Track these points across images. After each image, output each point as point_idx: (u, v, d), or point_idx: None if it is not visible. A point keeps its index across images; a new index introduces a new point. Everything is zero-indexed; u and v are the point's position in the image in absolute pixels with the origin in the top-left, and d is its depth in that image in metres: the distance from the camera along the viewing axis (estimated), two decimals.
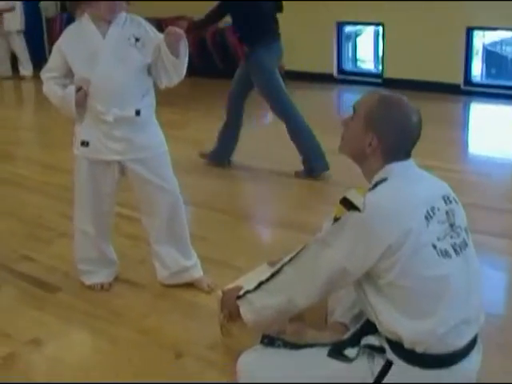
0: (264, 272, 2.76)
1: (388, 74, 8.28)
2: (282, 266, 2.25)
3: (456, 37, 7.68)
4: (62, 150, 5.87)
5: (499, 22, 7.54)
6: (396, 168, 2.12)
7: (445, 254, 2.04)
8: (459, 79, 7.78)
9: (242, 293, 2.38)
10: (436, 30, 7.69)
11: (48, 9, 10.49)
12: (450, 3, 7.49)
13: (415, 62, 7.95)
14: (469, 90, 7.68)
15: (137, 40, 2.94)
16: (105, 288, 3.27)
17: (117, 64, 2.90)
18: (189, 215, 3.27)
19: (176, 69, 2.95)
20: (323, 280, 2.11)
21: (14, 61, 10.34)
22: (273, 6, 5.08)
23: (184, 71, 3.00)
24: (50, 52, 9.24)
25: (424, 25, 7.78)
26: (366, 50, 9.19)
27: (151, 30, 3.00)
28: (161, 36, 2.96)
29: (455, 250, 2.07)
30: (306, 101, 7.88)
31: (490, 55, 8.30)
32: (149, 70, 3.00)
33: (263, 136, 6.50)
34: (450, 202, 2.14)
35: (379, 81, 8.39)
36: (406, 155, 2.16)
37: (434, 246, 2.02)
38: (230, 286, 2.68)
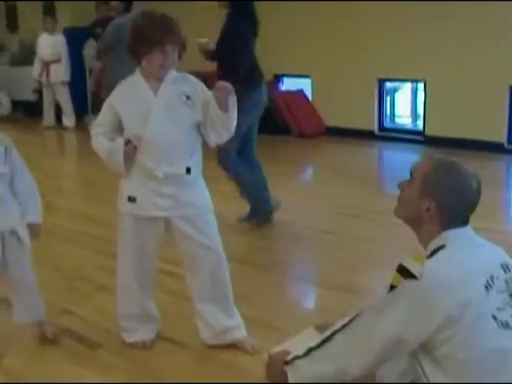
0: (311, 336, 2.71)
1: (429, 132, 8.22)
2: (334, 333, 2.20)
3: (499, 94, 7.61)
4: (104, 203, 5.94)
5: None
6: (454, 235, 2.07)
7: (505, 325, 1.97)
8: (503, 137, 7.69)
9: (290, 358, 2.33)
10: (478, 87, 7.65)
11: (92, 60, 10.69)
12: (492, 62, 7.48)
13: (457, 119, 7.90)
14: None
15: (187, 98, 2.95)
16: (146, 346, 3.21)
17: (169, 121, 2.91)
18: (231, 273, 3.22)
19: (225, 124, 2.95)
20: (377, 349, 2.04)
21: (58, 111, 10.53)
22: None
23: (233, 126, 3.00)
24: (92, 103, 9.48)
25: (466, 81, 7.75)
26: (404, 106, 9.17)
27: (200, 87, 3.02)
28: (209, 92, 2.97)
29: None
30: (346, 157, 7.91)
31: None
32: (198, 127, 3.01)
33: (301, 191, 6.49)
34: (509, 270, 2.08)
35: (421, 138, 8.33)
36: (464, 222, 2.11)
37: (495, 317, 1.96)
38: (277, 349, 2.62)
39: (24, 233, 3.11)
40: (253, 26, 5.06)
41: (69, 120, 10.42)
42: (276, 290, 3.97)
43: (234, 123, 2.99)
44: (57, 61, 10.13)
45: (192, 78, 3.06)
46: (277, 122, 8.82)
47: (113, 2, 7.10)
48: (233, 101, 2.92)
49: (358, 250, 4.67)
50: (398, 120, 9.06)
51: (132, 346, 3.22)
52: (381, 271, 4.33)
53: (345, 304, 3.73)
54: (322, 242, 4.86)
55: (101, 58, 7.36)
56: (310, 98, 9.28)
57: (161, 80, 2.95)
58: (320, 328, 2.78)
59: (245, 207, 5.17)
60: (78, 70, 10.43)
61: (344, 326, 2.17)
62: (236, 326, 3.19)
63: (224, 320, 3.16)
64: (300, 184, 7.21)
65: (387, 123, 8.90)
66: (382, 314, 2.01)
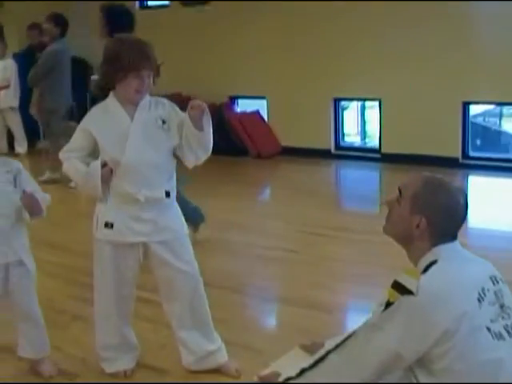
0: (298, 357, 2.71)
1: (386, 149, 8.35)
2: (327, 353, 2.19)
3: (453, 110, 7.78)
4: (67, 230, 5.88)
5: (491, 96, 7.69)
6: (444, 250, 2.11)
7: (499, 336, 2.01)
8: (457, 152, 7.85)
9: (282, 380, 2.31)
10: (432, 104, 7.81)
11: None
12: (446, 79, 7.65)
13: (412, 136, 8.04)
14: (467, 164, 7.74)
15: (163, 122, 2.95)
16: (127, 375, 3.16)
17: (147, 146, 2.89)
18: (208, 297, 3.20)
19: (201, 143, 2.93)
20: (374, 366, 2.05)
21: (10, 137, 10.33)
22: None
23: (210, 145, 2.98)
24: (44, 129, 9.25)
25: (420, 99, 7.90)
26: (351, 125, 9.32)
27: (173, 110, 3.01)
28: (182, 114, 2.97)
29: (508, 332, 2.04)
30: (304, 176, 7.97)
31: (474, 127, 8.43)
32: (173, 151, 2.99)
33: (261, 211, 6.52)
34: (497, 282, 2.13)
35: (377, 156, 8.45)
36: (453, 237, 2.15)
37: (488, 329, 1.99)
38: (266, 371, 2.61)
39: (30, 263, 3.05)
40: None
41: (21, 146, 10.23)
42: (250, 312, 3.97)
43: (211, 141, 2.97)
44: (6, 86, 9.94)
45: (165, 101, 3.04)
46: (234, 143, 8.84)
47: (46, 26, 7.06)
48: (208, 119, 2.91)
49: (323, 267, 4.71)
50: (347, 138, 9.17)
51: (112, 376, 3.16)
52: (348, 288, 4.39)
53: (318, 322, 3.76)
54: (287, 262, 4.87)
55: (38, 85, 7.33)
56: (266, 118, 9.33)
57: (136, 105, 2.93)
58: (306, 348, 2.79)
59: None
60: (28, 95, 10.28)
61: (338, 346, 2.16)
62: (218, 350, 3.17)
63: (205, 345, 3.13)
64: (259, 204, 7.23)
65: (343, 142, 9.01)
66: (379, 330, 2.02)
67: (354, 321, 3.60)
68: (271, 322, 3.93)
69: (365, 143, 9.50)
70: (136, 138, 2.88)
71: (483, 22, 7.48)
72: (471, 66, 7.55)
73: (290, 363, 2.52)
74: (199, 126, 2.88)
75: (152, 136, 2.91)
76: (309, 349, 2.72)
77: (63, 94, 7.69)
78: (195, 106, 2.86)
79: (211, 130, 2.95)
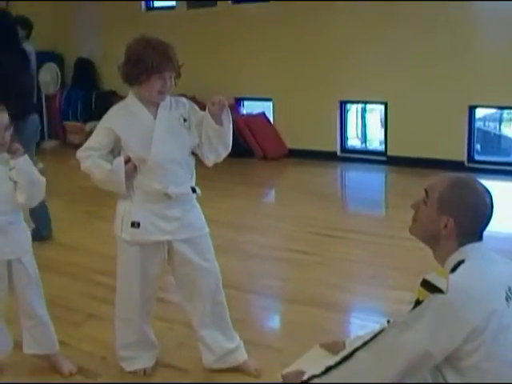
0: (320, 356, 2.72)
1: (391, 152, 8.37)
2: (355, 351, 2.19)
3: (459, 114, 7.82)
4: (76, 229, 5.89)
5: (497, 100, 7.72)
6: (472, 250, 2.12)
7: None
8: (463, 156, 7.89)
9: (307, 377, 2.32)
10: (439, 107, 7.85)
11: (48, 86, 10.59)
12: (452, 82, 7.69)
13: (418, 139, 8.07)
14: (472, 167, 7.77)
15: (185, 120, 2.98)
16: (147, 373, 3.18)
17: (172, 143, 2.93)
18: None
19: (221, 139, 2.96)
20: (403, 365, 2.06)
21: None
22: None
23: (230, 141, 3.01)
24: (49, 128, 9.37)
25: (426, 102, 7.93)
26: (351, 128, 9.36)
27: (192, 110, 3.04)
28: (201, 112, 3.01)
29: None
30: (310, 178, 8.00)
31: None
32: (192, 150, 3.03)
33: (268, 212, 6.54)
34: None
35: (383, 158, 8.48)
36: (480, 237, 2.16)
37: None
38: (289, 369, 2.61)
39: (29, 262, 3.06)
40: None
41: None
42: (266, 312, 4.01)
43: (231, 137, 3.01)
44: None
45: (185, 100, 3.08)
46: (239, 145, 8.85)
47: None
48: (227, 115, 2.95)
49: (335, 268, 4.74)
50: (349, 142, 9.19)
51: (132, 374, 3.18)
52: (362, 288, 4.42)
53: (334, 322, 3.81)
54: (300, 262, 4.90)
55: None
56: (271, 120, 9.35)
57: (157, 105, 2.96)
58: (327, 347, 2.79)
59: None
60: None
61: (366, 343, 2.17)
62: (237, 348, 3.20)
63: (225, 343, 3.16)
64: (267, 206, 7.27)
65: (349, 144, 9.05)
66: (409, 328, 2.03)
67: (369, 320, 3.66)
68: (288, 321, 3.95)
69: (365, 146, 9.53)
70: (161, 136, 2.91)
71: (490, 26, 7.52)
72: (477, 70, 7.59)
73: (312, 362, 2.53)
74: (219, 122, 2.92)
75: (176, 133, 2.95)
76: (330, 348, 2.73)
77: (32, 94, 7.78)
78: (215, 102, 2.89)
79: (231, 126, 2.99)
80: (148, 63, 2.82)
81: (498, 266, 2.14)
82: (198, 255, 3.04)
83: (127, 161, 2.92)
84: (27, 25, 7.25)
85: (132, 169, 2.92)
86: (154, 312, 3.49)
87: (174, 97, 3.05)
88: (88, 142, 3.04)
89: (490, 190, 2.17)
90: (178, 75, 2.97)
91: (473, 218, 2.13)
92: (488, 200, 2.15)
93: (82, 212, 6.56)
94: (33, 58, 7.57)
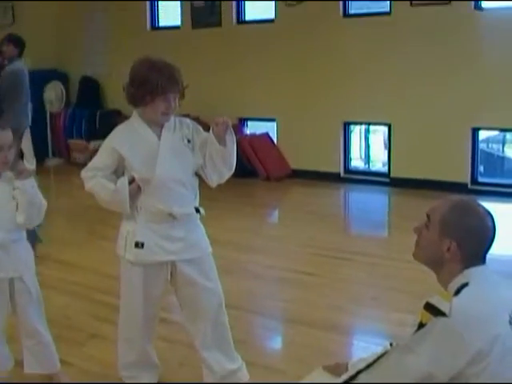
0: (322, 378, 2.70)
1: (395, 174, 8.38)
2: (357, 373, 2.19)
3: (462, 136, 7.83)
4: (79, 248, 5.90)
5: (500, 122, 7.74)
6: (475, 273, 2.12)
7: None
8: (466, 178, 7.89)
9: None
10: (442, 129, 7.87)
11: (53, 104, 10.64)
12: (455, 104, 7.72)
13: (422, 160, 8.08)
14: (476, 189, 7.77)
15: (188, 141, 3.00)
16: None
17: (176, 164, 2.94)
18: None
19: (225, 160, 2.97)
20: None
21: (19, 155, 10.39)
22: None
23: (234, 162, 3.02)
24: (52, 146, 9.38)
25: (430, 124, 7.95)
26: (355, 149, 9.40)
27: (195, 131, 3.06)
28: (204, 133, 3.02)
29: None
30: (313, 199, 8.01)
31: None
32: (196, 171, 3.04)
33: (272, 233, 6.55)
34: None
35: (386, 180, 8.48)
36: (483, 259, 2.16)
37: None
38: None
39: (31, 280, 3.06)
40: None
41: (30, 163, 10.19)
42: (269, 333, 4.00)
43: (234, 158, 3.01)
44: None
45: (189, 121, 3.10)
46: (243, 165, 8.86)
47: (5, 48, 7.21)
48: (231, 135, 2.96)
49: (339, 290, 4.73)
50: (353, 163, 9.20)
51: None
52: (365, 311, 4.41)
53: (337, 344, 3.80)
54: (304, 284, 4.89)
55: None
56: (275, 141, 9.37)
57: (162, 125, 2.97)
58: (329, 369, 2.78)
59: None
60: (38, 113, 10.35)
61: (369, 366, 2.17)
62: (239, 369, 3.19)
63: (227, 364, 3.15)
64: (270, 226, 7.27)
65: (352, 165, 9.07)
66: (412, 351, 2.03)
67: (372, 342, 3.65)
68: (290, 343, 3.94)
69: (368, 167, 9.54)
70: (165, 156, 2.92)
71: (493, 48, 7.53)
72: (480, 92, 7.61)
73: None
74: (223, 143, 2.93)
75: (180, 154, 2.96)
76: (332, 370, 2.71)
77: (25, 113, 7.87)
78: (219, 123, 2.91)
79: (235, 147, 3.00)
80: (153, 85, 2.84)
81: (502, 290, 2.14)
82: (202, 275, 3.04)
83: (131, 181, 2.93)
84: (19, 43, 7.35)
85: (136, 189, 2.93)
86: (156, 332, 3.50)
87: (178, 117, 3.07)
88: (92, 161, 3.05)
89: (492, 212, 2.17)
90: (182, 96, 2.99)
91: (475, 240, 2.13)
92: (490, 223, 2.15)
93: (85, 231, 6.57)
94: (24, 75, 7.65)
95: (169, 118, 2.97)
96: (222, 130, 2.91)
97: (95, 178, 2.99)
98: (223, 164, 2.99)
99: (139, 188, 2.93)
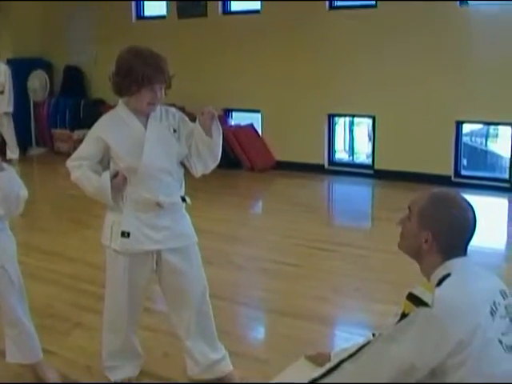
0: (304, 367, 2.72)
1: (379, 166, 8.42)
2: (340, 363, 2.21)
3: (446, 129, 7.88)
4: (62, 237, 5.88)
5: (484, 115, 7.79)
6: (457, 264, 2.14)
7: (510, 349, 2.03)
8: (450, 171, 7.94)
9: None
10: (426, 122, 7.91)
11: (36, 93, 10.58)
12: (439, 98, 7.76)
13: (405, 153, 8.12)
14: (459, 182, 7.82)
15: (174, 131, 2.99)
16: (132, 383, 3.17)
17: (162, 153, 2.94)
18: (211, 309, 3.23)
19: (211, 150, 2.98)
20: (388, 376, 2.07)
21: (1, 143, 10.31)
22: None
23: (219, 153, 3.03)
24: (36, 135, 9.37)
25: (414, 117, 8.00)
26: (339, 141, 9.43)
27: (182, 121, 3.05)
28: (191, 124, 3.02)
29: None
30: (297, 190, 8.03)
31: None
32: (181, 160, 3.04)
33: (255, 224, 6.55)
34: (507, 296, 2.15)
35: (370, 172, 8.52)
36: (464, 251, 2.18)
37: (500, 342, 2.02)
38: (275, 381, 2.62)
39: (13, 270, 3.05)
40: None
41: (13, 152, 10.20)
42: (253, 324, 4.02)
43: (220, 149, 3.02)
44: (0, 92, 9.96)
45: (174, 110, 3.09)
46: (227, 156, 8.86)
47: None
48: (217, 126, 2.96)
49: (323, 281, 4.75)
50: (337, 155, 9.23)
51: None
52: (349, 302, 4.43)
53: (320, 334, 3.82)
54: (288, 275, 4.91)
55: None
56: (260, 132, 9.38)
57: (148, 115, 2.97)
58: (312, 359, 2.80)
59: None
60: (21, 102, 10.31)
61: (351, 356, 2.18)
62: (222, 359, 3.19)
63: (210, 353, 3.15)
64: (254, 217, 7.28)
65: (336, 157, 9.10)
66: (394, 341, 2.05)
67: (354, 333, 3.67)
68: (273, 333, 3.96)
69: (352, 159, 9.58)
70: (151, 145, 2.91)
71: (478, 42, 7.58)
72: (465, 86, 7.66)
73: (297, 373, 2.53)
74: (209, 133, 2.94)
75: (166, 143, 2.96)
76: (315, 359, 2.73)
77: None
78: (205, 112, 2.91)
79: (221, 138, 3.00)
80: (138, 75, 2.82)
81: (483, 281, 2.16)
82: (186, 264, 3.04)
83: (115, 174, 2.92)
84: None
85: (120, 183, 2.92)
86: (140, 322, 3.50)
87: (164, 107, 3.06)
88: (77, 150, 3.03)
89: (474, 205, 2.19)
90: (169, 86, 2.98)
91: (452, 231, 2.14)
92: (469, 214, 2.16)
93: (69, 220, 6.55)
94: None
95: (155, 108, 2.96)
96: (207, 120, 2.91)
97: (81, 168, 2.97)
98: (209, 154, 2.99)
99: (125, 180, 2.92)
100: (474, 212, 2.19)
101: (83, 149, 3.01)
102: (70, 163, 3.02)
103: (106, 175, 2.93)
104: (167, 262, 3.02)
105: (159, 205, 2.93)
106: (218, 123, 2.98)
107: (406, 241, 2.25)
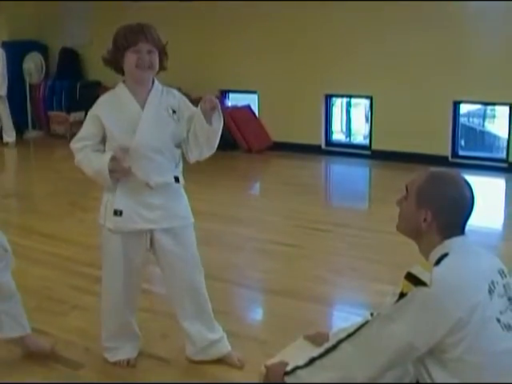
0: (303, 347, 2.73)
1: (376, 146, 8.41)
2: (339, 343, 2.21)
3: (444, 109, 7.86)
4: (60, 220, 5.88)
5: (482, 96, 7.77)
6: (455, 243, 2.14)
7: (508, 327, 2.04)
8: (447, 151, 7.93)
9: (290, 368, 2.33)
10: (423, 102, 7.89)
11: (32, 75, 10.52)
12: (437, 78, 7.73)
13: (403, 133, 8.10)
14: (456, 162, 7.82)
15: (174, 112, 2.98)
16: (131, 364, 3.18)
17: (156, 132, 2.92)
18: (209, 290, 3.23)
19: (209, 139, 2.96)
20: (387, 356, 2.08)
21: None
22: None
23: (216, 143, 3.02)
24: (32, 118, 9.34)
25: (411, 97, 7.98)
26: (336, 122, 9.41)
27: (183, 103, 3.04)
28: (193, 108, 3.00)
29: None
30: (294, 171, 8.03)
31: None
32: (180, 142, 3.03)
33: (253, 205, 6.56)
34: (505, 275, 2.16)
35: (367, 152, 8.51)
36: (462, 229, 2.18)
37: (498, 320, 2.03)
38: (273, 360, 2.63)
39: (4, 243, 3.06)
40: None
41: (9, 136, 10.13)
42: (252, 304, 4.04)
43: (217, 139, 3.01)
44: None
45: (176, 92, 3.08)
46: (224, 138, 8.79)
47: None
48: (219, 116, 2.94)
49: (321, 261, 4.77)
50: (334, 136, 9.21)
51: (115, 364, 3.18)
52: (347, 282, 4.44)
53: (318, 314, 3.83)
54: (286, 255, 4.92)
55: None
56: (256, 113, 9.35)
57: (146, 90, 2.94)
58: (311, 338, 2.81)
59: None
60: (17, 85, 10.25)
61: (350, 335, 2.18)
62: (220, 340, 3.20)
63: (208, 334, 3.16)
64: (253, 198, 7.29)
65: (333, 138, 9.08)
66: (392, 321, 2.05)
67: (353, 313, 3.68)
68: (273, 314, 3.96)
69: (350, 140, 9.57)
70: (146, 124, 2.90)
71: (475, 23, 7.56)
72: (462, 66, 7.63)
73: (295, 353, 2.54)
74: (209, 121, 2.92)
75: (162, 124, 2.94)
76: (314, 339, 2.74)
77: None
78: (207, 101, 2.89)
79: (221, 128, 2.99)
80: (121, 38, 2.85)
81: (482, 260, 2.16)
82: (179, 245, 3.04)
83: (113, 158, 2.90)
84: None
85: (116, 165, 2.89)
86: (139, 303, 3.50)
87: (166, 87, 3.05)
88: (80, 132, 3.02)
89: (471, 183, 2.18)
90: (164, 53, 2.96)
91: (451, 210, 2.14)
92: (467, 193, 2.16)
93: (66, 203, 6.53)
94: None
95: (147, 74, 2.92)
96: (208, 107, 2.89)
97: (83, 150, 2.97)
98: (206, 142, 2.97)
99: (120, 161, 2.89)
100: (471, 190, 2.18)
101: (84, 129, 3.01)
102: (73, 145, 3.02)
103: (105, 161, 2.90)
104: (159, 242, 3.02)
105: (149, 186, 2.92)
106: (220, 113, 2.96)
107: (405, 221, 2.25)
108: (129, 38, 2.84)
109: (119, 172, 2.90)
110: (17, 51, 10.21)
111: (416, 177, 2.24)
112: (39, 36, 10.88)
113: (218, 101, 2.92)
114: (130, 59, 2.86)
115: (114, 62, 2.93)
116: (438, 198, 2.14)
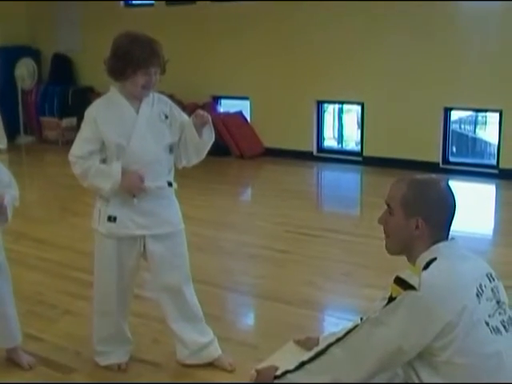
0: (292, 351, 2.74)
1: (367, 153, 8.43)
2: (328, 347, 2.22)
3: (434, 115, 7.90)
4: (51, 225, 5.88)
5: (472, 102, 7.82)
6: (443, 247, 2.16)
7: (497, 330, 2.06)
8: (438, 157, 7.97)
9: (280, 372, 2.34)
10: (414, 109, 7.92)
11: (24, 80, 10.51)
12: (428, 84, 7.77)
13: (394, 140, 8.14)
14: (447, 169, 7.85)
15: (166, 117, 3.01)
16: (122, 368, 3.19)
17: (151, 138, 2.96)
18: (197, 294, 3.24)
19: (198, 150, 3.06)
20: (376, 360, 2.09)
21: None
22: None
23: (204, 154, 3.11)
24: (24, 124, 9.31)
25: (402, 103, 8.01)
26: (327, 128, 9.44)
27: (176, 110, 3.09)
28: (185, 116, 3.04)
29: (504, 327, 2.09)
30: (286, 177, 8.05)
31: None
32: (171, 148, 3.06)
33: (245, 210, 6.56)
34: (493, 279, 2.18)
35: (359, 159, 8.54)
36: (448, 231, 2.20)
37: (487, 323, 2.05)
38: (263, 364, 2.64)
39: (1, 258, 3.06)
40: None
41: (0, 142, 10.12)
42: (243, 309, 4.04)
43: (206, 151, 3.09)
44: None
45: (167, 99, 3.12)
46: (216, 143, 8.80)
47: None
48: (210, 130, 3.03)
49: (312, 267, 4.78)
50: (326, 142, 9.23)
51: (107, 369, 3.19)
52: (337, 287, 4.45)
53: (309, 319, 3.84)
54: (276, 260, 4.93)
55: None
56: (248, 119, 9.36)
57: (140, 100, 2.97)
58: (301, 343, 2.82)
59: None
60: (9, 90, 10.24)
61: (340, 339, 2.20)
62: (210, 343, 3.21)
63: (198, 338, 3.17)
64: (243, 204, 7.30)
65: (325, 144, 9.11)
66: (382, 324, 2.06)
67: (343, 318, 3.70)
68: (263, 318, 3.98)
69: (341, 146, 9.59)
70: (141, 130, 2.94)
71: (467, 30, 7.60)
72: (454, 73, 7.67)
73: (286, 357, 2.55)
74: (200, 134, 2.99)
75: (155, 129, 2.98)
76: (303, 343, 2.76)
77: None
78: (198, 116, 2.96)
79: (211, 142, 3.07)
80: (134, 58, 2.84)
81: (470, 263, 2.18)
82: (169, 251, 3.06)
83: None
84: None
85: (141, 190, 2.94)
86: (131, 308, 3.51)
87: (157, 93, 3.08)
88: (78, 139, 2.98)
89: (462, 190, 2.22)
90: (163, 71, 3.00)
91: (439, 211, 2.17)
92: (449, 191, 2.20)
93: (57, 208, 6.54)
94: None
95: (148, 93, 2.98)
96: (199, 122, 2.96)
97: (92, 157, 2.93)
98: (195, 153, 3.07)
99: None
100: (450, 189, 2.22)
101: (83, 135, 2.98)
102: (74, 155, 2.95)
103: (117, 174, 2.90)
104: (150, 247, 3.04)
105: (134, 197, 2.95)
106: (212, 127, 3.03)
107: (396, 236, 2.24)
108: (141, 59, 2.85)
109: (136, 189, 2.93)
110: (9, 57, 10.21)
111: (393, 191, 2.24)
112: (32, 41, 10.89)
113: (209, 116, 2.97)
114: (138, 80, 2.89)
115: (119, 75, 2.92)
116: (425, 203, 2.16)
